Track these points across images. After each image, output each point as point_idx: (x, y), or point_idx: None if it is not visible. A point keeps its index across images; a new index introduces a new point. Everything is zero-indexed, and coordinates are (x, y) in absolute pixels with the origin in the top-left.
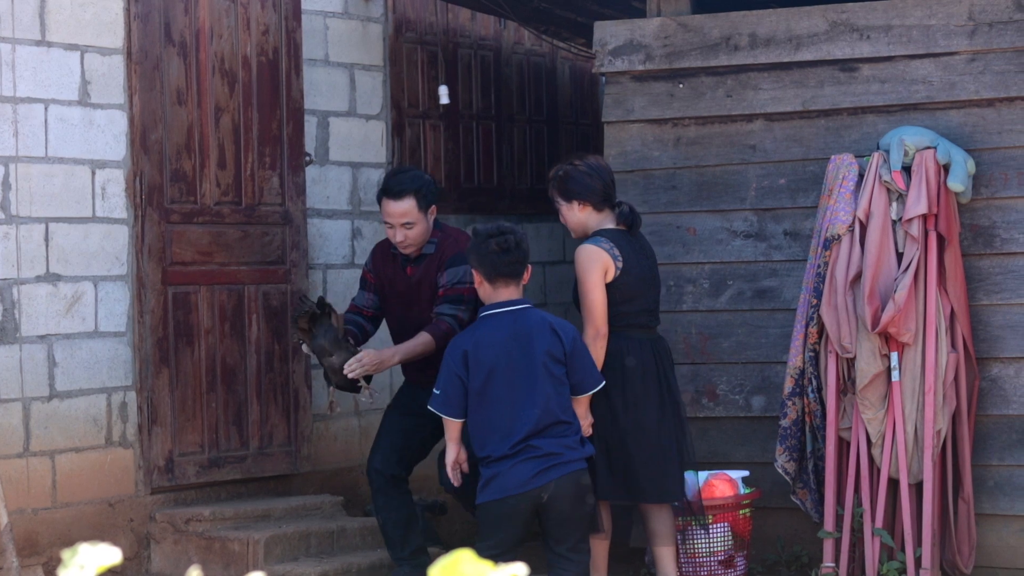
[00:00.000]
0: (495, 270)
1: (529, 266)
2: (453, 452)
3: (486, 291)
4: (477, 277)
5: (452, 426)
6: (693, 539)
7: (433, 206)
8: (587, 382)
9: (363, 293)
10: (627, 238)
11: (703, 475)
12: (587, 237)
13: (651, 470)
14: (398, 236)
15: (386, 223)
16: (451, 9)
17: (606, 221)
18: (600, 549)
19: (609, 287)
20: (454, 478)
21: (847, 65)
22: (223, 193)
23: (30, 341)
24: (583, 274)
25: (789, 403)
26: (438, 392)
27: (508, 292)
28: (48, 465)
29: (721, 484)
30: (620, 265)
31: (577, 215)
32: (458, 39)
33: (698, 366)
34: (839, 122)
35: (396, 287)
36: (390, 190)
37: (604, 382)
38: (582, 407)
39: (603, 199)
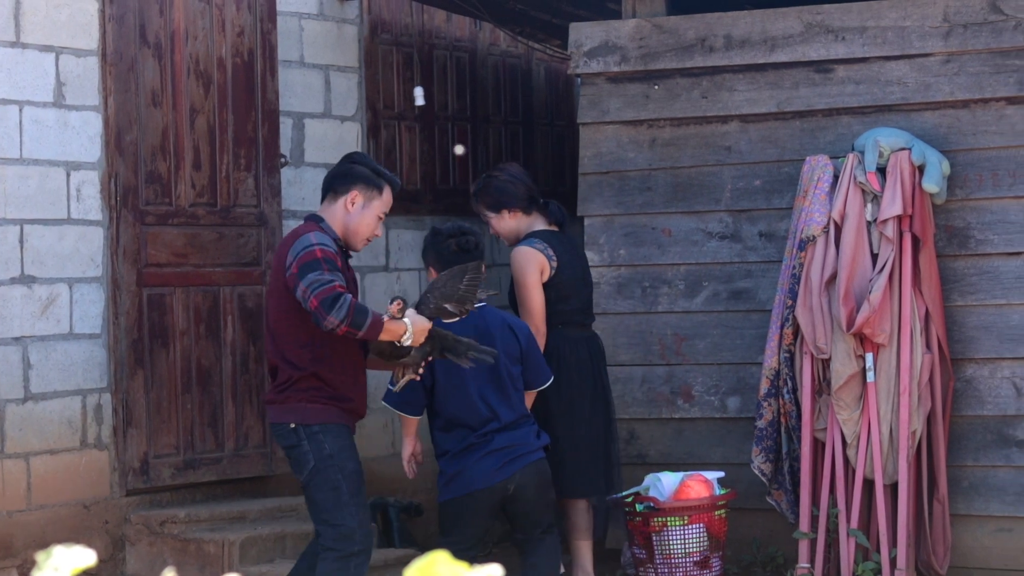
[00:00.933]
0: None
1: (484, 266)
2: (409, 447)
3: None
4: (434, 274)
5: (409, 423)
6: (669, 540)
7: None
8: (538, 378)
9: (340, 275)
10: (559, 238)
11: (679, 476)
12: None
13: (578, 465)
14: (378, 230)
15: (381, 214)
16: (426, 10)
17: (536, 222)
18: (584, 550)
19: (545, 287)
20: (409, 471)
21: (822, 66)
22: (198, 195)
23: (4, 343)
24: (521, 276)
25: (765, 404)
26: (393, 388)
27: None
28: (23, 467)
29: (696, 485)
30: (555, 265)
31: (508, 223)
32: (433, 40)
33: (673, 367)
34: (814, 123)
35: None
36: (396, 184)
37: (553, 378)
38: (528, 401)
39: (529, 202)
